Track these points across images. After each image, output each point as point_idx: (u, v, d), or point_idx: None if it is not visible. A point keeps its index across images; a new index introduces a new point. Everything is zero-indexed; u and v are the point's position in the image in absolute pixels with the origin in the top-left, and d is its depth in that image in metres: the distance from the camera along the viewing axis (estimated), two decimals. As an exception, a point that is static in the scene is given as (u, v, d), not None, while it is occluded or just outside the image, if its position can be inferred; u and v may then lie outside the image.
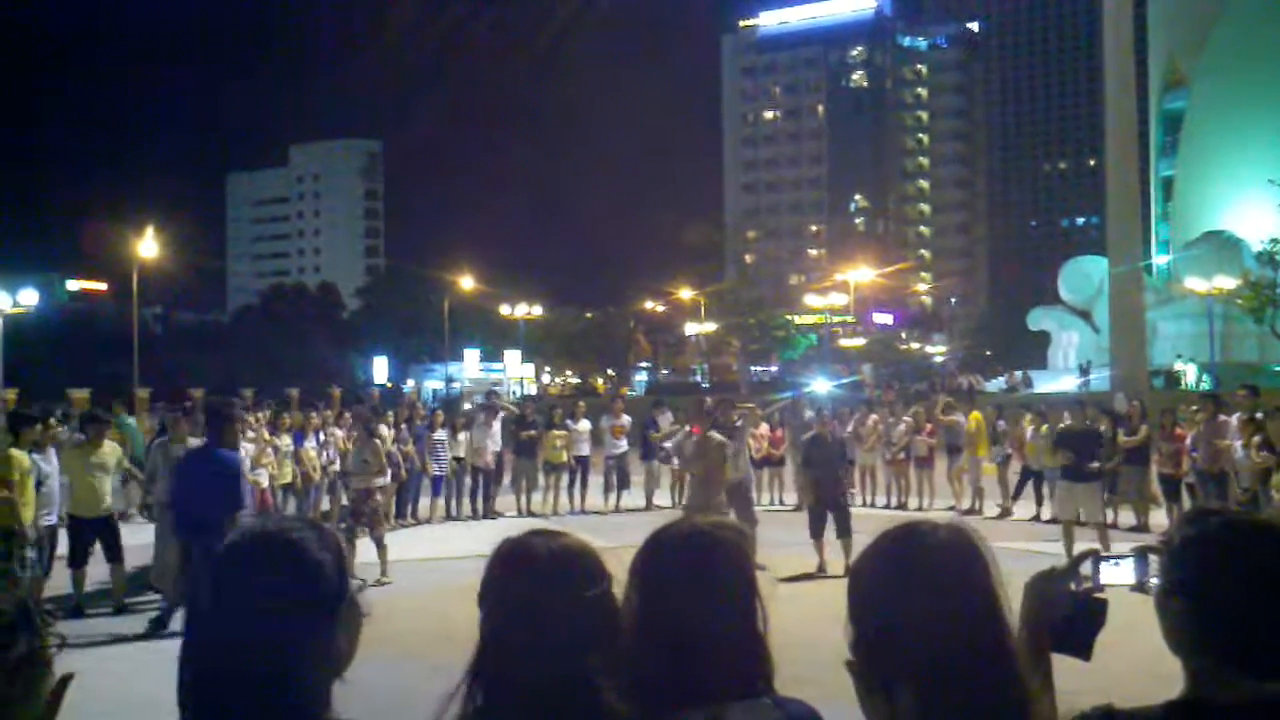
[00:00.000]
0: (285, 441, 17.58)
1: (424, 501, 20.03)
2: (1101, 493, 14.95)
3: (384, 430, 18.47)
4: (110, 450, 12.43)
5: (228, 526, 9.14)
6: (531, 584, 2.04)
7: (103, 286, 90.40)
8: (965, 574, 1.97)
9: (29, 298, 49.87)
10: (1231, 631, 1.97)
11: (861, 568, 2.06)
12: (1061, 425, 16.05)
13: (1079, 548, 12.75)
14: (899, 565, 2.00)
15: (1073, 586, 2.25)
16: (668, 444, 21.39)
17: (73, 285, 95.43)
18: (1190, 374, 48.31)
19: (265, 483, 16.83)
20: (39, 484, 11.55)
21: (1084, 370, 55.32)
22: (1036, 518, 19.09)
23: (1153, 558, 2.25)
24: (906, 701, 1.91)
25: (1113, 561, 2.28)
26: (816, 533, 14.08)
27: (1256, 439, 13.91)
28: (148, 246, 48.25)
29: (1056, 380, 55.47)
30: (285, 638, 1.86)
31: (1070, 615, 2.22)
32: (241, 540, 1.98)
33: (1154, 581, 2.18)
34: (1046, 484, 19.14)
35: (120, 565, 12.20)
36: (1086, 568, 2.28)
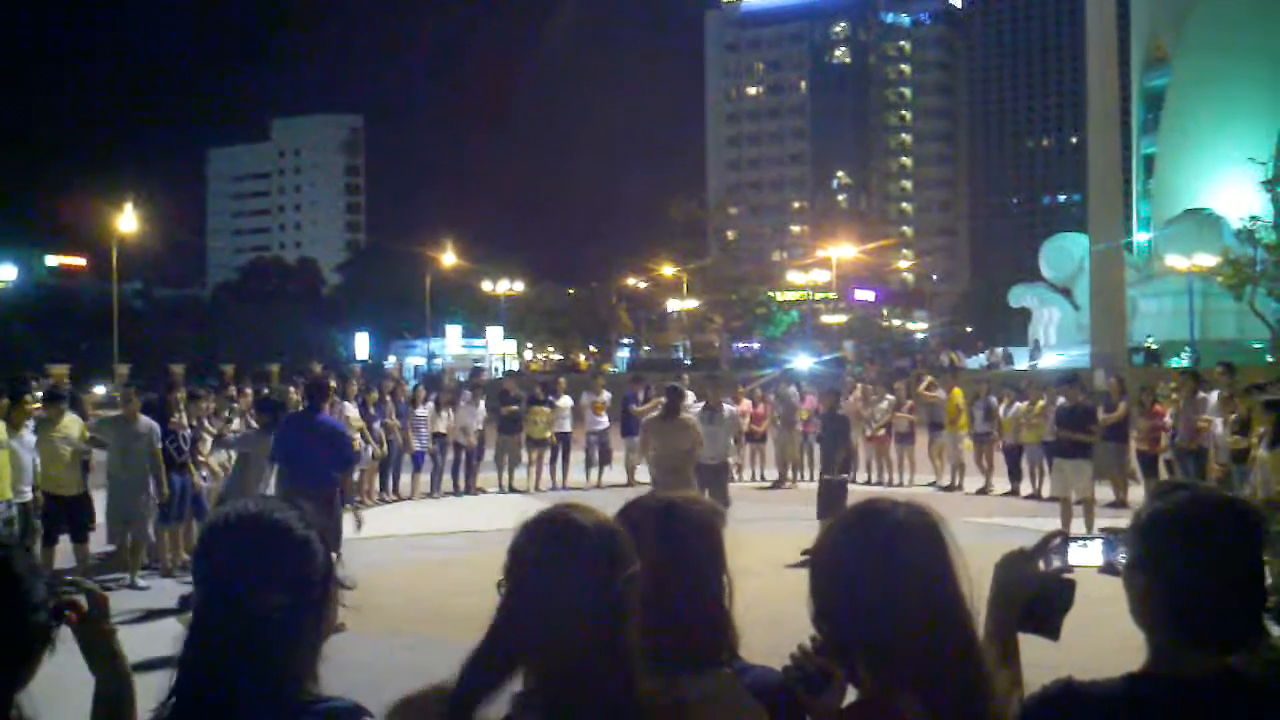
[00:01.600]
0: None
1: (405, 478, 20.00)
2: (1092, 470, 15.00)
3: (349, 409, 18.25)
4: (70, 423, 12.20)
5: (342, 483, 10.81)
6: (579, 560, 1.93)
7: (82, 262, 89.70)
8: (922, 551, 2.01)
9: (7, 273, 49.68)
10: (1191, 605, 2.00)
11: (823, 544, 2.12)
12: (1060, 403, 16.10)
13: (1077, 526, 12.82)
14: (857, 542, 2.05)
15: (1041, 567, 2.28)
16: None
17: (52, 260, 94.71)
18: (1183, 357, 48.54)
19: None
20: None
21: (1035, 350, 55.71)
22: (1014, 493, 19.19)
23: (1120, 539, 2.28)
24: (864, 675, 1.95)
25: (1081, 543, 2.31)
26: (821, 513, 13.16)
27: (1233, 416, 13.97)
28: (127, 222, 47.95)
29: (1037, 358, 55.70)
30: (275, 615, 1.88)
31: (1038, 596, 2.24)
32: (227, 521, 1.99)
33: (1122, 559, 2.21)
34: (1026, 460, 19.22)
35: (83, 546, 12.07)
36: (1055, 548, 2.30)
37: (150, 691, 2.02)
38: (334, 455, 10.75)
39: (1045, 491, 18.73)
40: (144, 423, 12.72)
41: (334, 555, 2.06)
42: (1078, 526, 13.29)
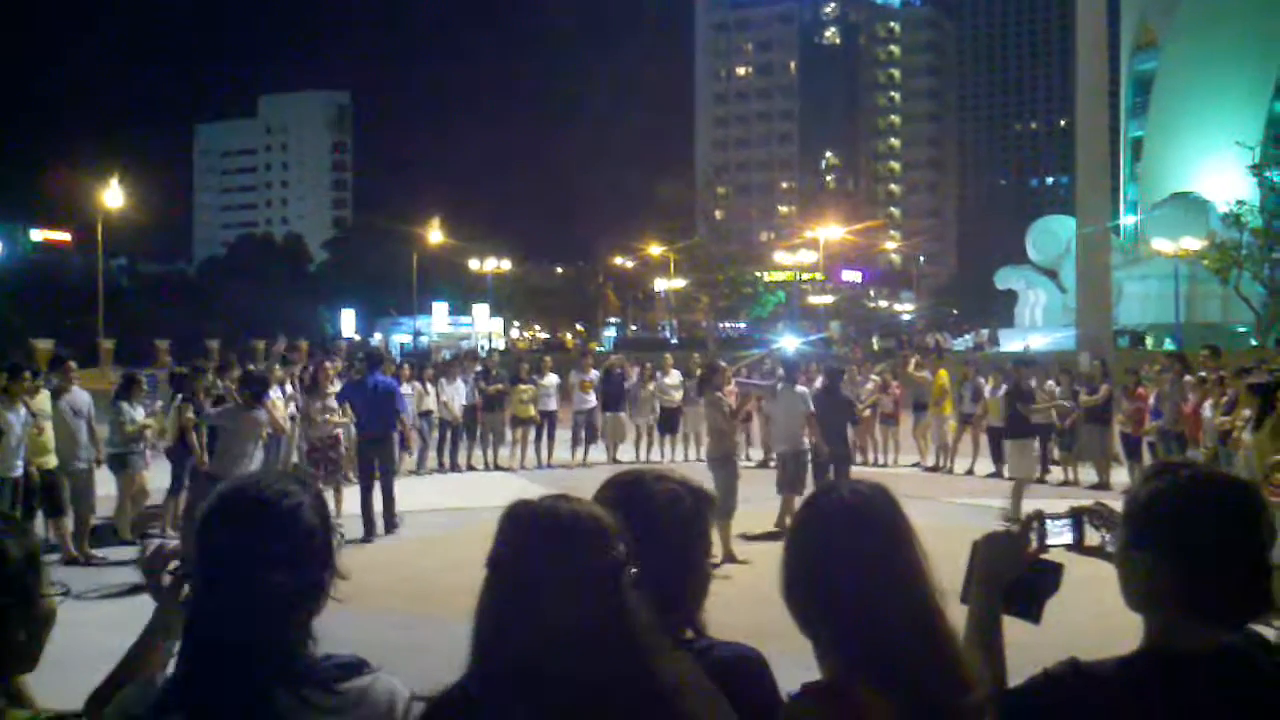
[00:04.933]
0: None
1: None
2: (1033, 450, 15.07)
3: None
4: (41, 400, 12.07)
5: (398, 430, 14.65)
6: (543, 553, 1.86)
7: (67, 237, 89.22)
8: (874, 529, 2.05)
9: (-8, 248, 49.45)
10: (1197, 582, 2.02)
11: (791, 524, 2.18)
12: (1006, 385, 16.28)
13: (1027, 505, 12.89)
14: (812, 521, 2.11)
15: (1029, 548, 2.30)
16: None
17: (37, 235, 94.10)
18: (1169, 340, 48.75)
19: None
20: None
21: (993, 335, 56.17)
22: (997, 474, 19.22)
23: (1086, 520, 2.31)
24: (828, 656, 1.98)
25: (1058, 522, 2.33)
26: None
27: (1224, 398, 14.00)
28: (113, 197, 47.71)
29: (1024, 338, 55.85)
30: (279, 592, 1.91)
31: (1023, 578, 2.26)
32: (231, 497, 2.00)
33: (1101, 539, 2.23)
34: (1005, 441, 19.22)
35: (59, 520, 12.05)
36: (1036, 529, 2.32)
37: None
38: (386, 411, 14.10)
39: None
40: (77, 393, 12.83)
41: (338, 536, 2.09)
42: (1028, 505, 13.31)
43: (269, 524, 1.95)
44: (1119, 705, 2.00)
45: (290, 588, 1.92)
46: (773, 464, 20.98)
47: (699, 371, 22.36)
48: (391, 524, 13.89)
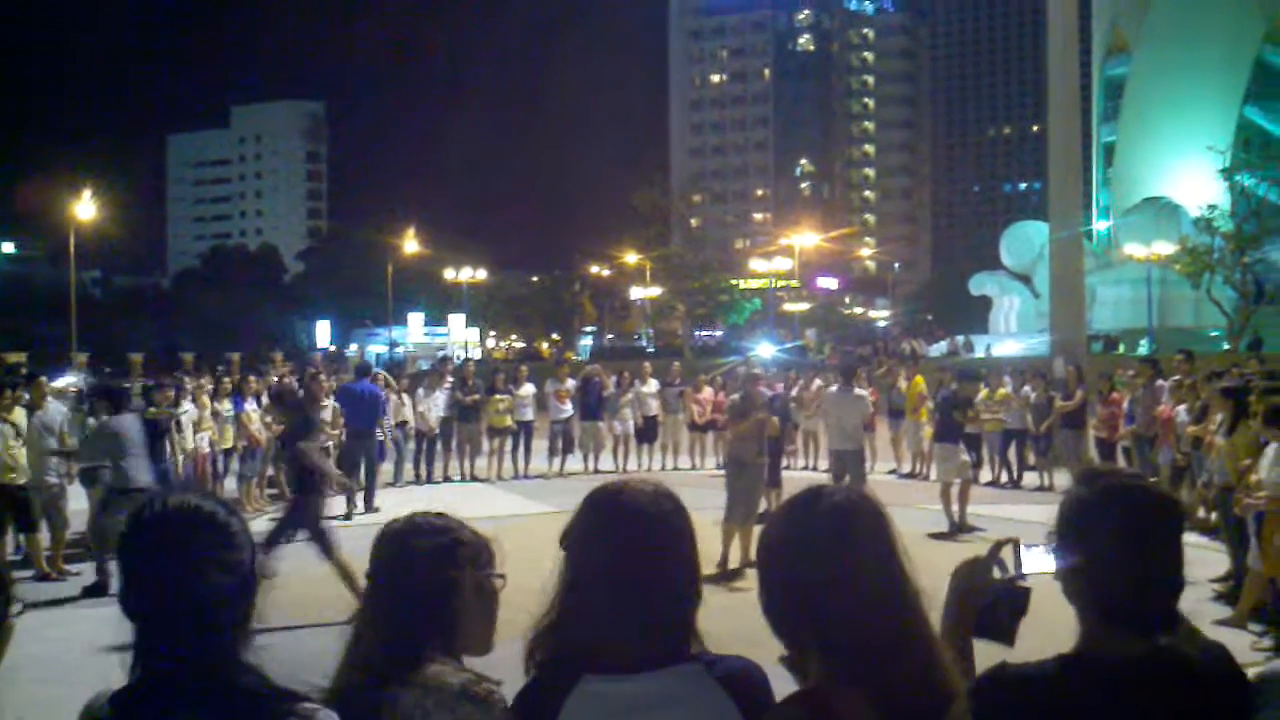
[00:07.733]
0: (226, 406, 17.44)
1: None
2: (959, 454, 15.13)
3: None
4: (19, 416, 12.02)
5: (380, 428, 17.85)
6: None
7: (39, 250, 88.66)
8: (860, 535, 2.05)
9: (-37, 260, 49.01)
10: (1112, 589, 2.04)
11: (767, 530, 2.17)
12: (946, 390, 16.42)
13: (1004, 510, 12.89)
14: (797, 524, 2.09)
15: (997, 574, 2.31)
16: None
17: (8, 247, 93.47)
18: (1143, 344, 48.88)
19: (206, 448, 16.74)
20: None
21: (968, 344, 56.87)
22: (974, 480, 19.25)
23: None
24: (813, 665, 1.98)
25: (1037, 548, 2.34)
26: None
27: (1198, 404, 14.04)
28: (86, 209, 47.46)
29: (1000, 343, 55.99)
30: (212, 602, 1.88)
31: (993, 602, 2.28)
32: (157, 514, 1.96)
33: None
34: (985, 447, 19.27)
35: (33, 535, 11.96)
36: (1010, 554, 2.34)
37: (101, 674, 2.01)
38: (371, 413, 17.16)
39: (1004, 479, 18.92)
40: (51, 409, 12.70)
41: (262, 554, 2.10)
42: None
43: (195, 529, 1.92)
44: (1043, 708, 2.01)
45: (222, 588, 1.90)
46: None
47: (679, 380, 22.69)
48: (371, 505, 16.65)
